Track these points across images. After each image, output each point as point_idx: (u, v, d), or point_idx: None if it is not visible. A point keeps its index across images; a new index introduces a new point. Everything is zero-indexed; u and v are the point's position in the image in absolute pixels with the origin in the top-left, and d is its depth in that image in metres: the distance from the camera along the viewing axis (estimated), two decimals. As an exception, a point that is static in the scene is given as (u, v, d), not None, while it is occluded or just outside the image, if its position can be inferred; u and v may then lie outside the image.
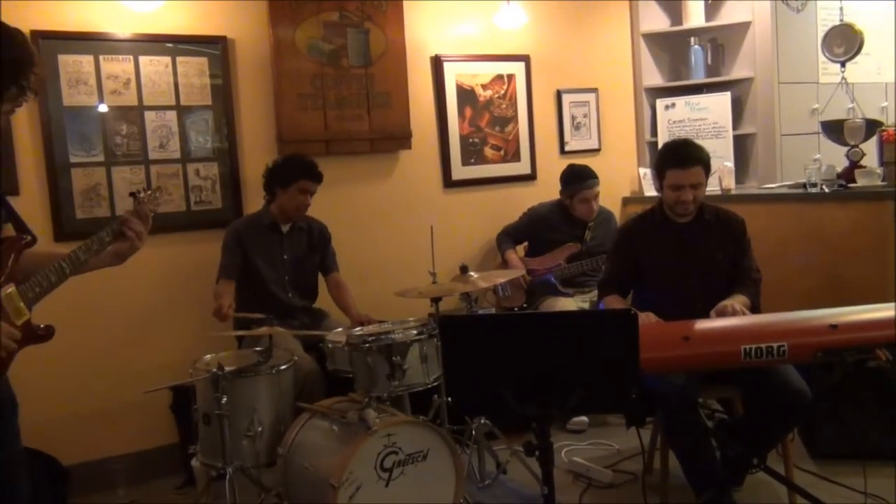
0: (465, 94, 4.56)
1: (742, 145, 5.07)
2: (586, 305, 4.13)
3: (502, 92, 4.68)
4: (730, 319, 2.76)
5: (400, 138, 4.30)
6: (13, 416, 1.89)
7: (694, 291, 3.00)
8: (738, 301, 2.89)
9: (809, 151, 4.82)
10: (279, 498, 2.79)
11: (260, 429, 2.77)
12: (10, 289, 1.81)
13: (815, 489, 2.76)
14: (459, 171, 4.57)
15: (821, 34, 4.88)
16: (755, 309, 3.00)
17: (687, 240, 3.09)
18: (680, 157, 3.00)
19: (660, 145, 5.03)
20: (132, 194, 2.13)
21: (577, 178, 4.24)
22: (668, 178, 3.02)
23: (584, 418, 3.96)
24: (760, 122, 5.00)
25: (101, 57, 3.57)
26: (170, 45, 3.71)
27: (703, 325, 2.70)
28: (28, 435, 2.67)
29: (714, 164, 3.13)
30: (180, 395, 3.52)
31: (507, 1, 4.52)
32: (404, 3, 4.25)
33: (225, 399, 2.67)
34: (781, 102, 4.97)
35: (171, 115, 3.75)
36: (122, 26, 3.60)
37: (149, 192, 2.14)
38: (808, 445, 3.45)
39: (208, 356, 3.00)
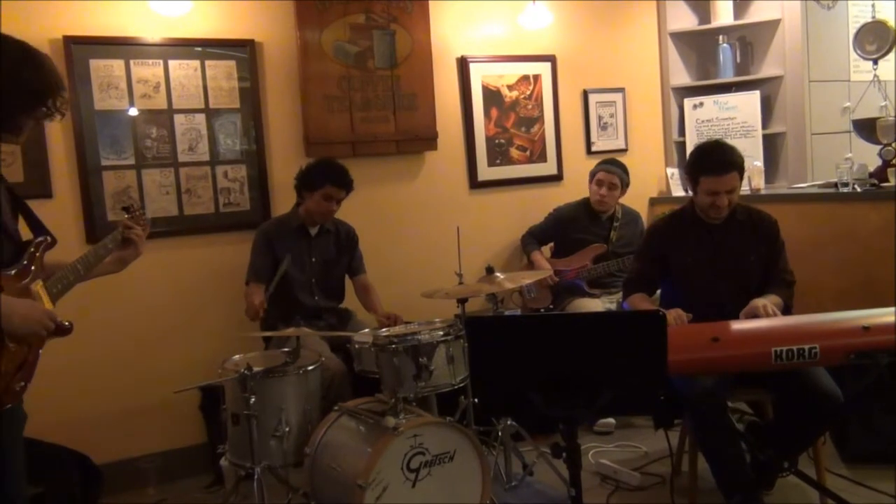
0: (491, 95, 4.56)
1: (772, 145, 5.01)
2: (613, 306, 4.11)
3: (528, 92, 4.67)
4: (760, 321, 2.72)
5: (426, 139, 4.31)
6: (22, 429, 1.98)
7: (724, 293, 2.96)
8: (769, 301, 2.85)
9: (841, 150, 4.75)
10: (306, 497, 2.80)
11: (287, 429, 2.79)
12: (39, 284, 1.97)
13: (847, 493, 2.72)
14: (485, 172, 4.57)
15: (852, 31, 4.81)
16: (787, 312, 2.95)
17: (718, 240, 3.05)
18: (715, 164, 2.93)
19: (688, 145, 5.01)
20: (125, 208, 2.38)
21: (597, 165, 4.30)
22: (703, 184, 2.95)
23: (612, 420, 3.94)
24: (790, 121, 4.94)
25: (131, 61, 3.62)
26: (198, 48, 3.76)
27: (733, 326, 2.67)
28: (62, 433, 2.72)
29: (744, 169, 3.07)
30: (209, 395, 3.56)
31: (533, 1, 4.51)
32: (430, 4, 4.26)
33: (253, 399, 2.69)
34: (812, 101, 4.90)
35: (200, 118, 3.79)
36: (151, 31, 3.65)
37: (139, 209, 2.41)
38: (840, 449, 3.40)
39: (237, 356, 3.03)
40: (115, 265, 2.31)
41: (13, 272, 1.91)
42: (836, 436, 3.42)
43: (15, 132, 1.92)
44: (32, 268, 1.96)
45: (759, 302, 2.82)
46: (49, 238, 2.05)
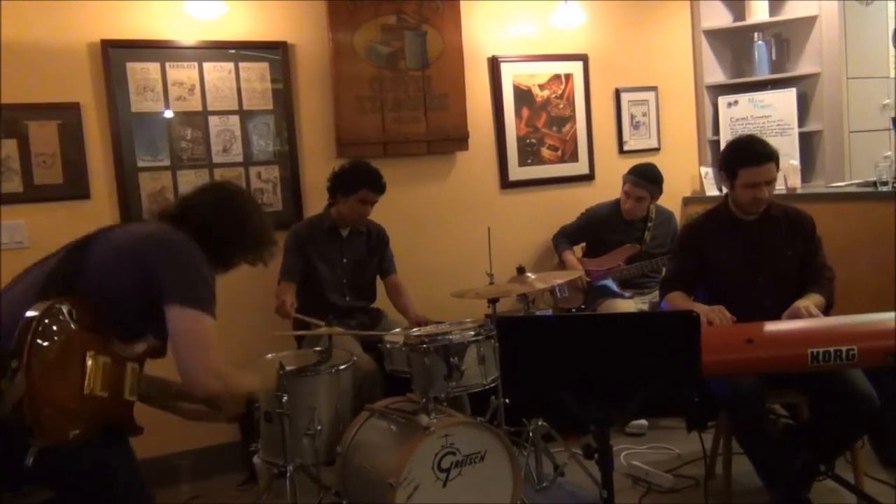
0: (522, 95, 4.55)
1: (808, 143, 4.93)
2: (645, 307, 4.08)
3: (560, 92, 4.65)
4: (796, 321, 2.68)
5: (457, 139, 4.32)
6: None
7: (762, 290, 2.93)
8: (812, 301, 2.81)
9: (879, 148, 4.66)
10: (338, 496, 2.82)
11: (319, 427, 2.80)
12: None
13: (886, 498, 2.68)
14: (516, 172, 4.56)
15: (891, 27, 4.72)
16: (829, 307, 2.92)
17: (755, 237, 3.02)
18: (753, 155, 2.94)
19: (722, 143, 4.95)
20: None
21: (629, 171, 4.23)
22: (743, 176, 2.94)
23: (644, 421, 3.91)
24: (827, 119, 4.85)
25: (167, 64, 3.67)
26: (232, 51, 3.80)
27: (768, 327, 2.64)
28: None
29: (779, 162, 3.07)
30: (243, 394, 3.59)
31: (565, 0, 4.49)
32: (461, 4, 4.26)
33: (286, 398, 2.71)
34: (850, 98, 4.81)
35: (235, 120, 3.83)
36: (186, 34, 3.70)
37: None
38: (879, 452, 3.33)
39: (269, 355, 3.06)
40: None
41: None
42: (875, 439, 3.35)
43: (225, 267, 2.16)
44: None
45: (801, 304, 2.78)
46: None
